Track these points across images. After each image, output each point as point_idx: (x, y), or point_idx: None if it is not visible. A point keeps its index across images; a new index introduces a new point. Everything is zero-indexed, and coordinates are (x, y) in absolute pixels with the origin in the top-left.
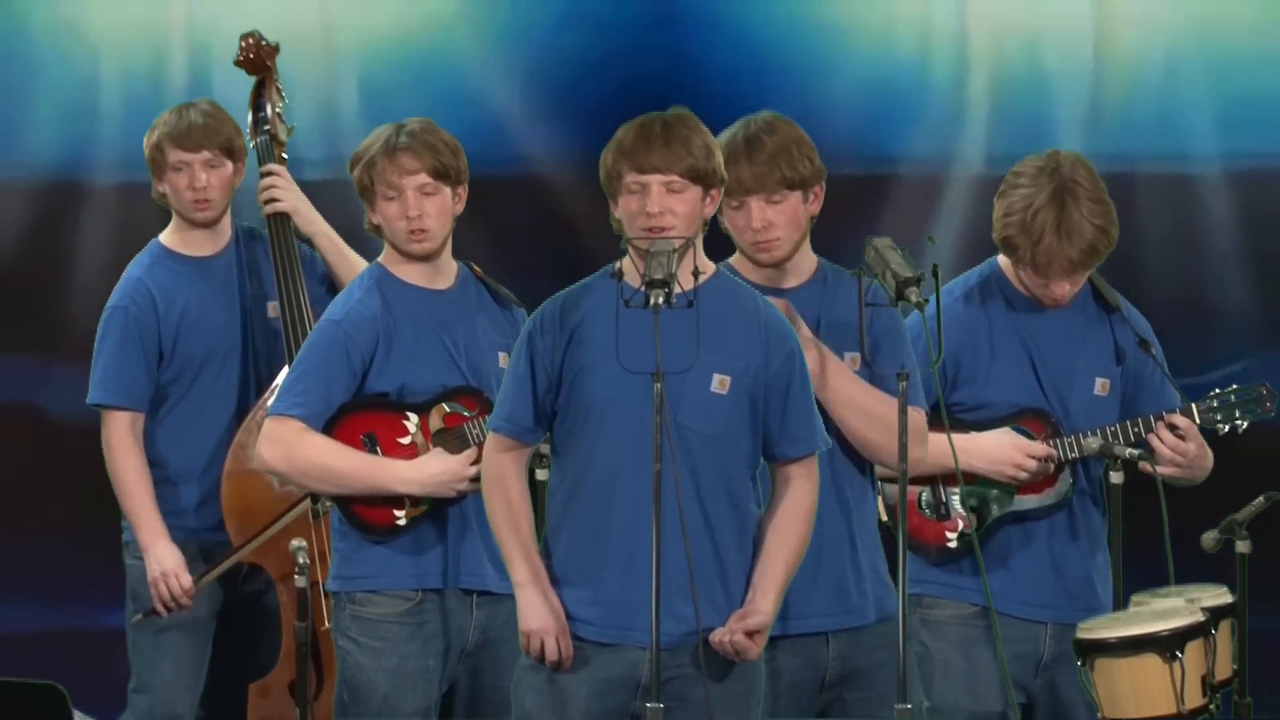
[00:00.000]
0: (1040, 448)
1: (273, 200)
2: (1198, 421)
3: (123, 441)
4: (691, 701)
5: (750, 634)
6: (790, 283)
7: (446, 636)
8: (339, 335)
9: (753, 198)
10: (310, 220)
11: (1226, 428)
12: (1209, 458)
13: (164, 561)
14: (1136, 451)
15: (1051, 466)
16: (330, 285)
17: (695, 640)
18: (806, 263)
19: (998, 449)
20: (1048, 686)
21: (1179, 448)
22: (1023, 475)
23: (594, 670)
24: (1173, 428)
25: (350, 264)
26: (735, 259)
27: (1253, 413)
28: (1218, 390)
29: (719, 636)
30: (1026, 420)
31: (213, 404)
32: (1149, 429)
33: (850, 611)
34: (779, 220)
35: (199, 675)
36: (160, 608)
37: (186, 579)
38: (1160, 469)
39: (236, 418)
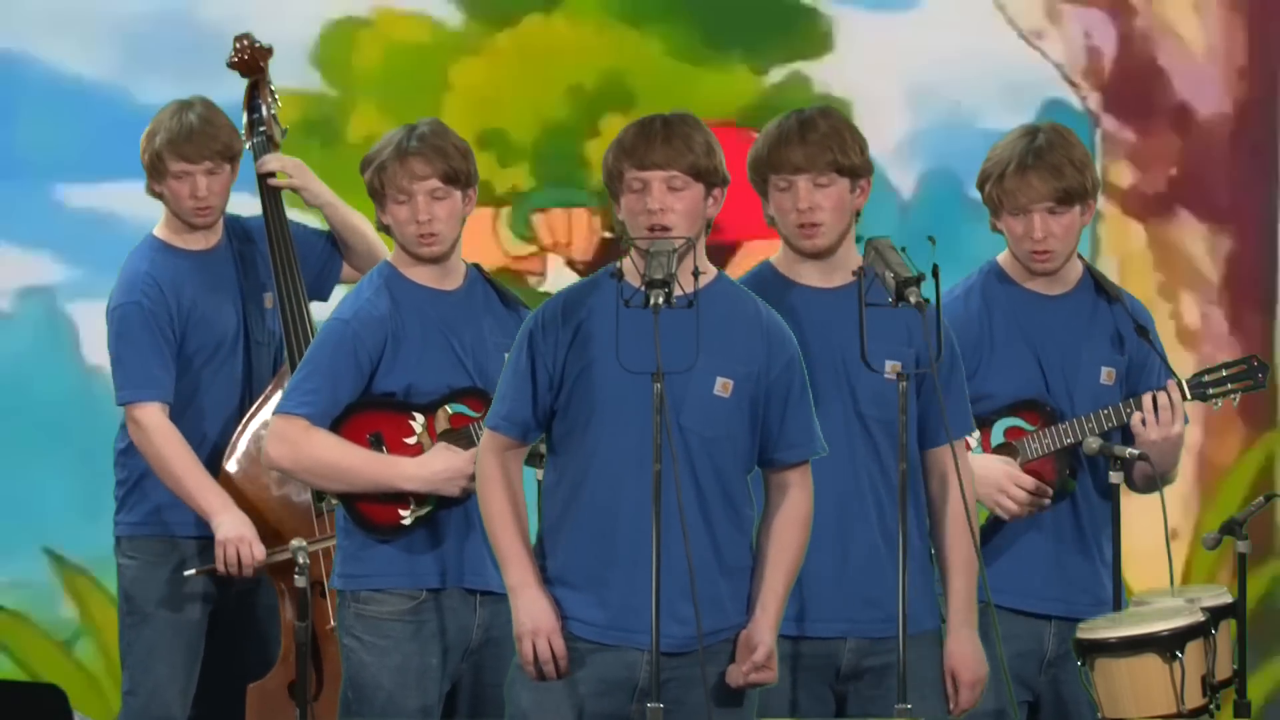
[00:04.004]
0: (1030, 480)
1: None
2: (1188, 397)
3: (164, 427)
4: (688, 704)
5: (761, 665)
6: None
7: (450, 635)
8: (347, 334)
9: (801, 178)
10: (317, 194)
11: (1219, 402)
12: (1179, 448)
13: (239, 527)
14: (1136, 451)
15: (1046, 501)
16: (332, 241)
17: (696, 646)
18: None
19: (986, 473)
20: (1052, 684)
21: (1163, 418)
22: (1011, 506)
23: (592, 670)
24: (1156, 400)
25: (355, 230)
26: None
27: (1244, 385)
28: (1207, 365)
29: (735, 681)
30: (1022, 412)
31: (213, 397)
32: (1140, 408)
33: (875, 621)
34: (825, 204)
35: (192, 676)
36: (222, 568)
37: (260, 549)
38: (1141, 440)
39: (237, 411)
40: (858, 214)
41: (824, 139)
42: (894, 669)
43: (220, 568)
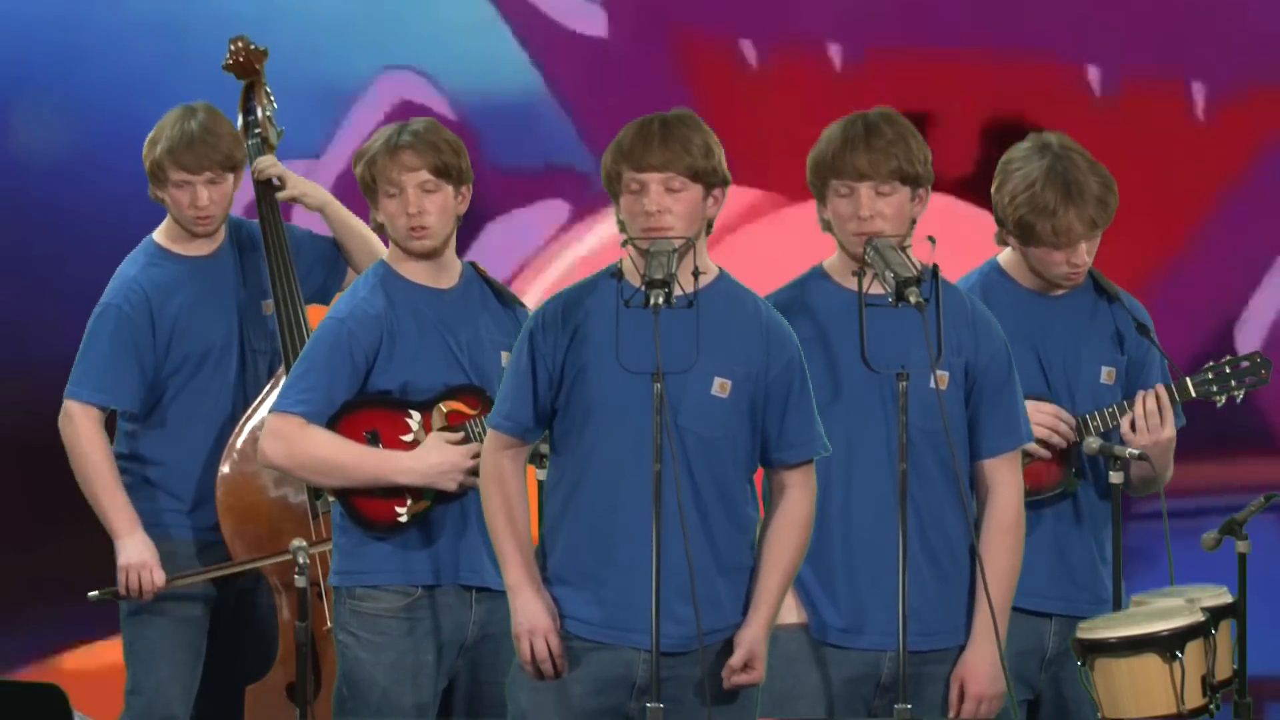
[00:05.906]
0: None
1: (273, 183)
2: (1193, 394)
3: (93, 434)
4: (684, 703)
5: (745, 665)
6: None
7: (445, 632)
8: (343, 333)
9: (864, 185)
10: (314, 199)
11: (1224, 398)
12: (1171, 449)
13: (141, 552)
14: (1135, 451)
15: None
16: (335, 247)
17: (693, 646)
18: None
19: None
20: (1052, 682)
21: (1151, 424)
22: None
23: (590, 669)
24: (1145, 406)
25: (353, 231)
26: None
27: (1249, 383)
28: (1211, 362)
29: (725, 686)
30: None
31: (209, 402)
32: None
33: (914, 634)
34: (886, 211)
35: (194, 675)
36: (123, 592)
37: (160, 575)
38: (1131, 446)
39: (233, 416)
40: (913, 222)
41: (890, 145)
42: (930, 681)
43: (121, 591)
